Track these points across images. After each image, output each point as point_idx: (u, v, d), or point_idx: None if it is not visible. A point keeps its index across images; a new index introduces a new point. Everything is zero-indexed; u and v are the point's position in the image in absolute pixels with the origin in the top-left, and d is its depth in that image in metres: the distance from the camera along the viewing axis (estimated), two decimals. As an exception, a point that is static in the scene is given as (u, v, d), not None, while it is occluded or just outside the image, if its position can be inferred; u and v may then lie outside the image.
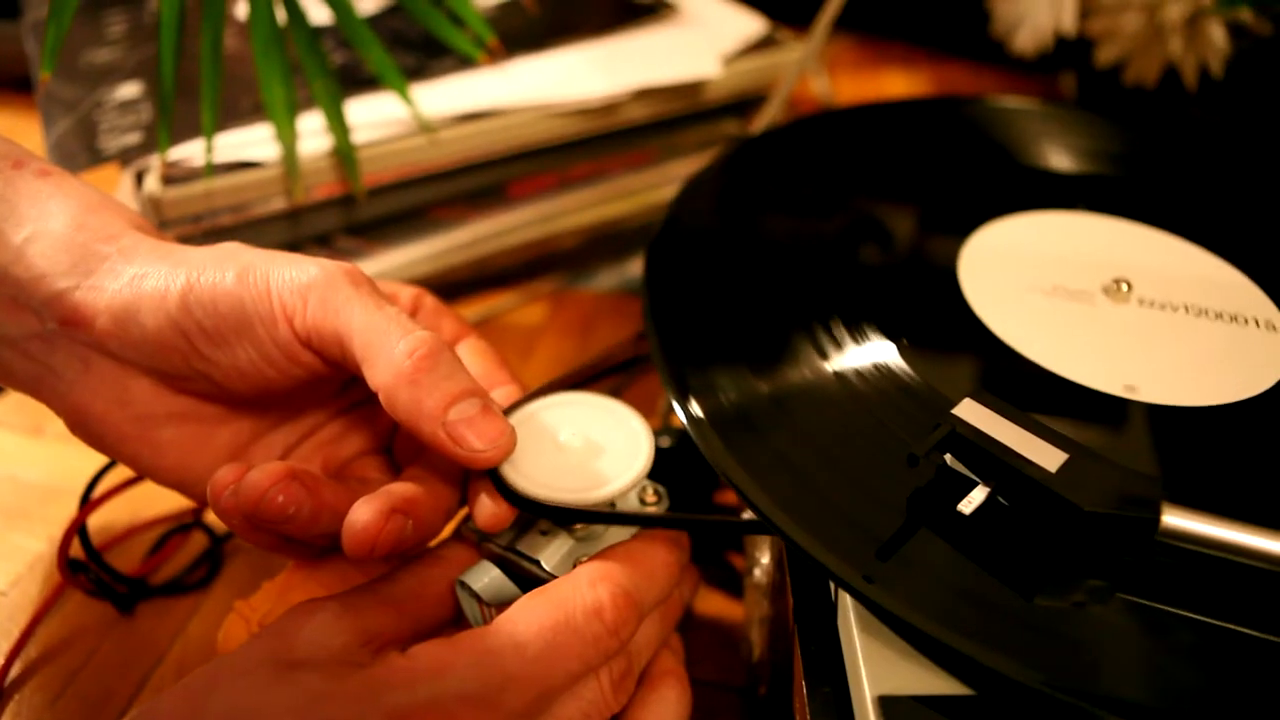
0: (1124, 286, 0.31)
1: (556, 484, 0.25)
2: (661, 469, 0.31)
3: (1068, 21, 0.61)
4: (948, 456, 0.24)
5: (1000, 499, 0.24)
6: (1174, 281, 0.33)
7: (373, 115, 0.44)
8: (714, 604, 0.37)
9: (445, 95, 0.46)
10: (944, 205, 0.37)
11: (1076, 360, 0.29)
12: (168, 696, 0.22)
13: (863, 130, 0.44)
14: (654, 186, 0.52)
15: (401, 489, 0.25)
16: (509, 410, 0.28)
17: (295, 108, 0.41)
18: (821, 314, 0.31)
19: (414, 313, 0.30)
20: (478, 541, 0.28)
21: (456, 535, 0.29)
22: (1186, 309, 0.31)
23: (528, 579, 0.26)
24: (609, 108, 0.47)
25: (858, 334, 0.30)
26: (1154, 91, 0.64)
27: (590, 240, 0.52)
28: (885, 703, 0.21)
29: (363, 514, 0.24)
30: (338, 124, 0.41)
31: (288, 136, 0.40)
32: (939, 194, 0.38)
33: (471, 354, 0.30)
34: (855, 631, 0.23)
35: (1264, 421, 0.28)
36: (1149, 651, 0.22)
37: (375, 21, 0.51)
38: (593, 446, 0.26)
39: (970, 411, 0.24)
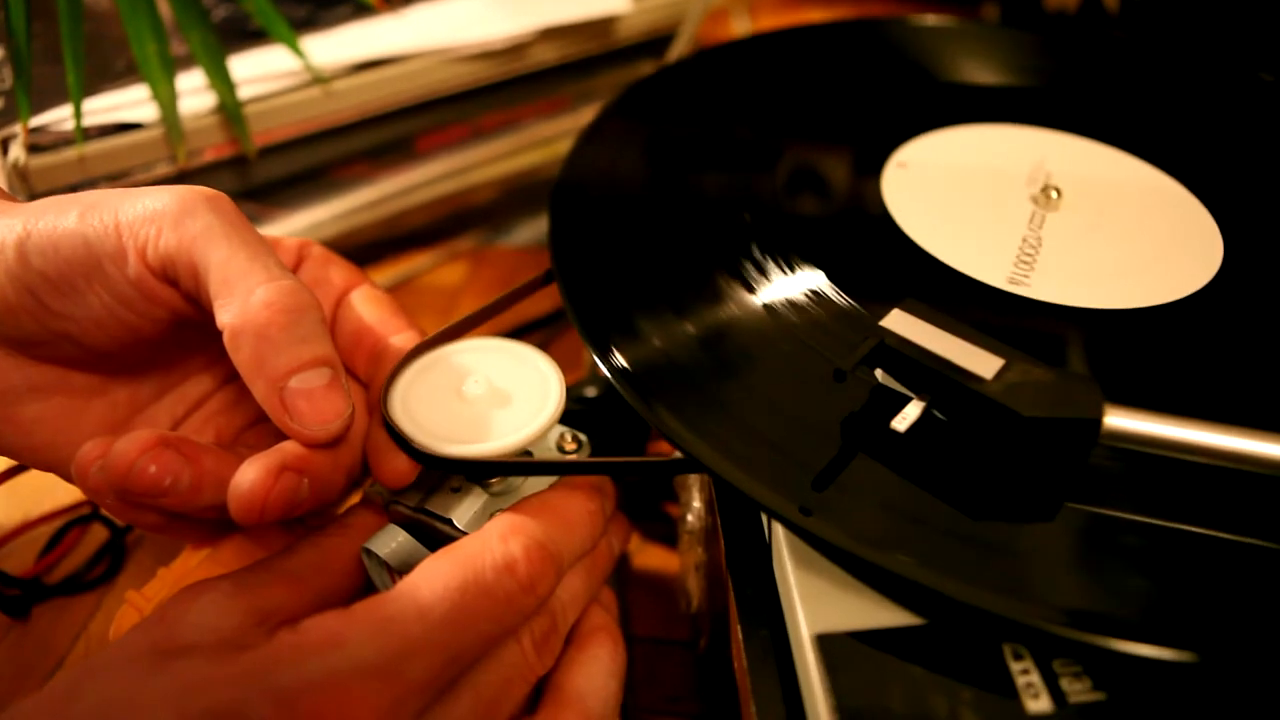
0: (1054, 194, 0.30)
1: (459, 436, 0.23)
2: (590, 422, 0.29)
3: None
4: (878, 372, 0.23)
5: (936, 413, 0.22)
6: (1103, 186, 0.32)
7: (261, 69, 0.41)
8: (654, 558, 0.35)
9: (339, 44, 0.43)
10: (861, 127, 0.36)
11: (1009, 269, 0.28)
12: (36, 694, 0.19)
13: (772, 59, 0.42)
14: (570, 134, 0.49)
15: (294, 446, 0.23)
16: (407, 358, 0.25)
17: (172, 64, 0.38)
18: (740, 247, 0.29)
19: (298, 264, 0.28)
20: (385, 504, 0.26)
21: (365, 501, 0.27)
22: (1117, 213, 0.30)
23: (440, 540, 0.24)
24: (515, 49, 0.45)
25: (780, 262, 0.29)
26: (1076, 17, 0.63)
27: (507, 194, 0.49)
28: (824, 641, 0.20)
29: (249, 474, 0.22)
30: (219, 78, 0.38)
31: (164, 94, 0.37)
32: (855, 117, 0.37)
33: (365, 301, 0.27)
34: (790, 569, 0.21)
35: (1201, 320, 0.27)
36: (1102, 562, 0.21)
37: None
38: (498, 394, 0.24)
39: (899, 322, 0.22)
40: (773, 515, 0.22)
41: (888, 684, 0.19)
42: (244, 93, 0.39)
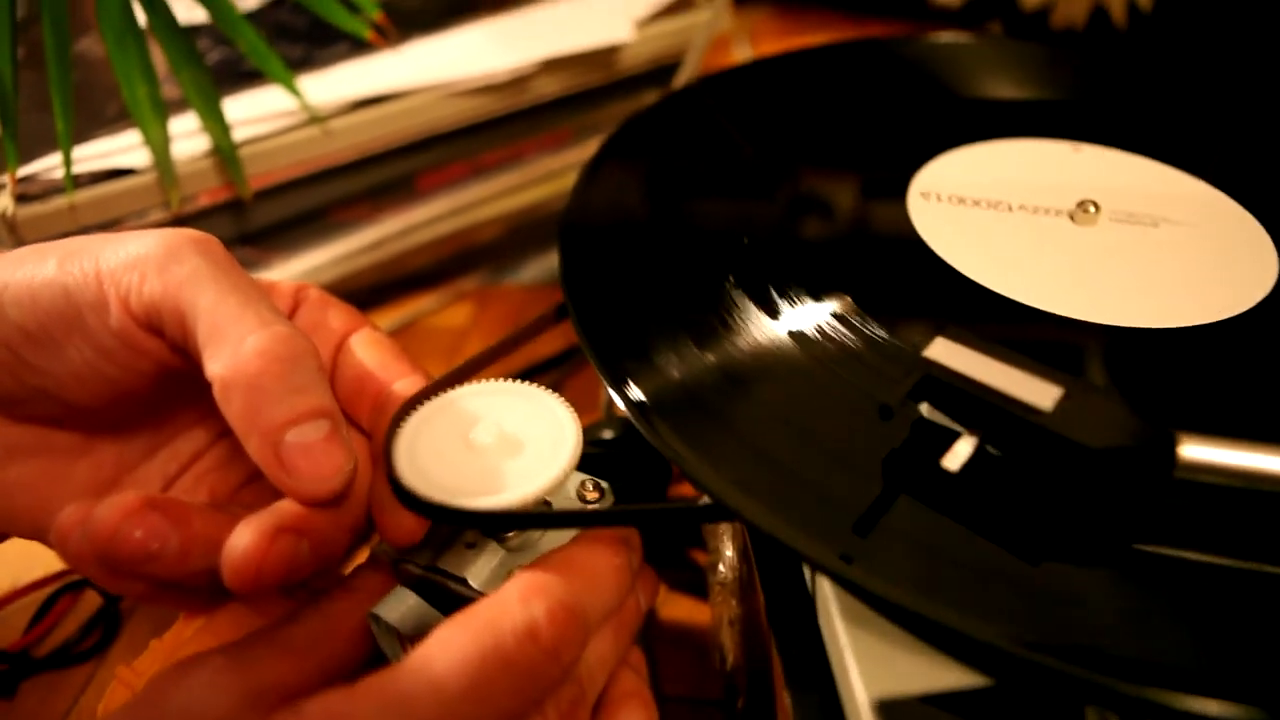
0: (1091, 208, 0.28)
1: (470, 488, 0.21)
2: (608, 466, 0.27)
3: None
4: (924, 406, 0.21)
5: (990, 449, 0.21)
6: (1143, 197, 0.30)
7: (257, 110, 0.39)
8: (682, 608, 0.33)
9: (336, 83, 0.41)
10: (880, 147, 0.34)
11: (1052, 290, 0.26)
12: None
13: (781, 82, 0.40)
14: (574, 167, 0.48)
15: (292, 505, 0.21)
16: (408, 405, 0.24)
17: (164, 107, 0.36)
18: (765, 274, 0.28)
19: (294, 308, 0.26)
20: (393, 564, 0.24)
21: (372, 560, 0.25)
22: (1161, 224, 0.29)
23: (455, 603, 0.22)
24: (517, 83, 0.44)
25: (807, 289, 0.27)
26: (1083, 33, 0.62)
27: (512, 231, 0.48)
28: (887, 708, 0.18)
29: (243, 537, 0.20)
30: (213, 119, 0.37)
31: (156, 137, 0.36)
32: (871, 137, 0.35)
33: (366, 346, 0.26)
34: (839, 624, 0.19)
35: (1255, 338, 0.25)
36: (1180, 610, 0.19)
37: (256, 17, 0.46)
38: (509, 441, 0.23)
39: (945, 351, 0.21)
40: (811, 564, 0.20)
41: (960, 756, 0.17)
42: (239, 134, 0.38)
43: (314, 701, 0.18)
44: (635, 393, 0.24)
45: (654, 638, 0.32)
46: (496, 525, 0.22)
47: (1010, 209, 0.29)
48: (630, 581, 0.23)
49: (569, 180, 0.48)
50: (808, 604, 0.21)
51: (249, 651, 0.21)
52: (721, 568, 0.26)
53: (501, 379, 0.24)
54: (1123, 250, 0.28)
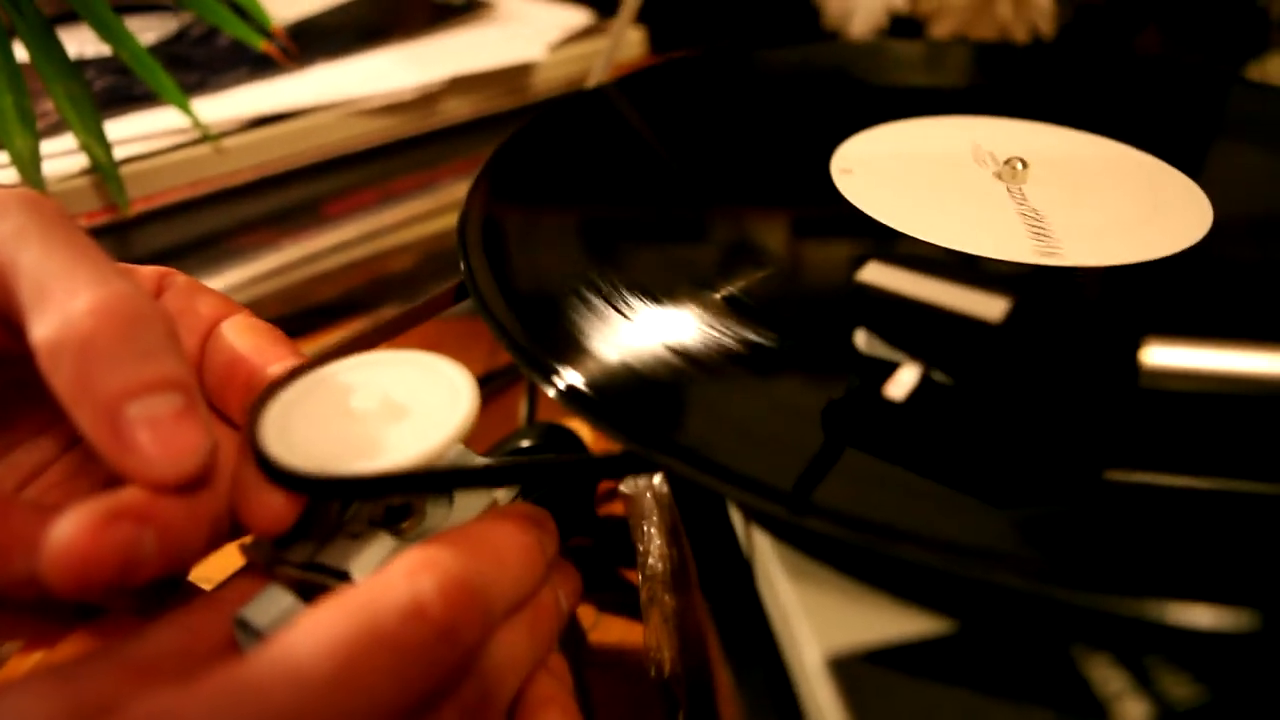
0: (1019, 165, 0.27)
1: (346, 454, 0.18)
2: (528, 480, 0.24)
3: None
4: (860, 339, 0.19)
5: (935, 377, 0.18)
6: (1068, 158, 0.29)
7: (144, 128, 0.37)
8: (614, 631, 0.30)
9: (232, 103, 0.39)
10: (792, 132, 0.33)
11: (991, 238, 0.25)
12: None
13: (689, 81, 0.39)
14: (492, 192, 0.46)
15: (135, 491, 0.18)
16: (283, 379, 0.21)
17: (33, 117, 0.34)
18: (678, 241, 0.26)
19: (157, 295, 0.23)
20: (267, 564, 0.20)
21: (245, 568, 0.21)
22: (1090, 179, 0.28)
23: (339, 603, 0.19)
24: (425, 102, 0.42)
25: (725, 256, 0.25)
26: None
27: (426, 259, 0.45)
28: (841, 667, 0.15)
29: (68, 525, 0.16)
30: (89, 132, 0.34)
31: (23, 147, 0.33)
32: (783, 126, 0.34)
33: (240, 331, 0.23)
34: (783, 582, 0.17)
35: (1205, 270, 0.24)
36: (1161, 526, 0.16)
37: (153, 51, 0.44)
38: (395, 407, 0.20)
39: (880, 273, 0.18)
40: (751, 513, 0.17)
41: (933, 714, 0.14)
42: (123, 151, 0.36)
43: (141, 701, 0.14)
44: (551, 362, 0.21)
45: (585, 663, 0.28)
46: (376, 490, 0.19)
47: (935, 172, 0.28)
48: (543, 566, 0.20)
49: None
50: (744, 570, 0.18)
51: (83, 668, 0.17)
52: (652, 560, 0.23)
53: (388, 350, 0.22)
54: (1059, 201, 0.26)
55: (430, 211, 0.45)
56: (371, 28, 0.47)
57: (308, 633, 0.15)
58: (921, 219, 0.25)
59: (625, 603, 0.30)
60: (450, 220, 0.45)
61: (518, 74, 0.45)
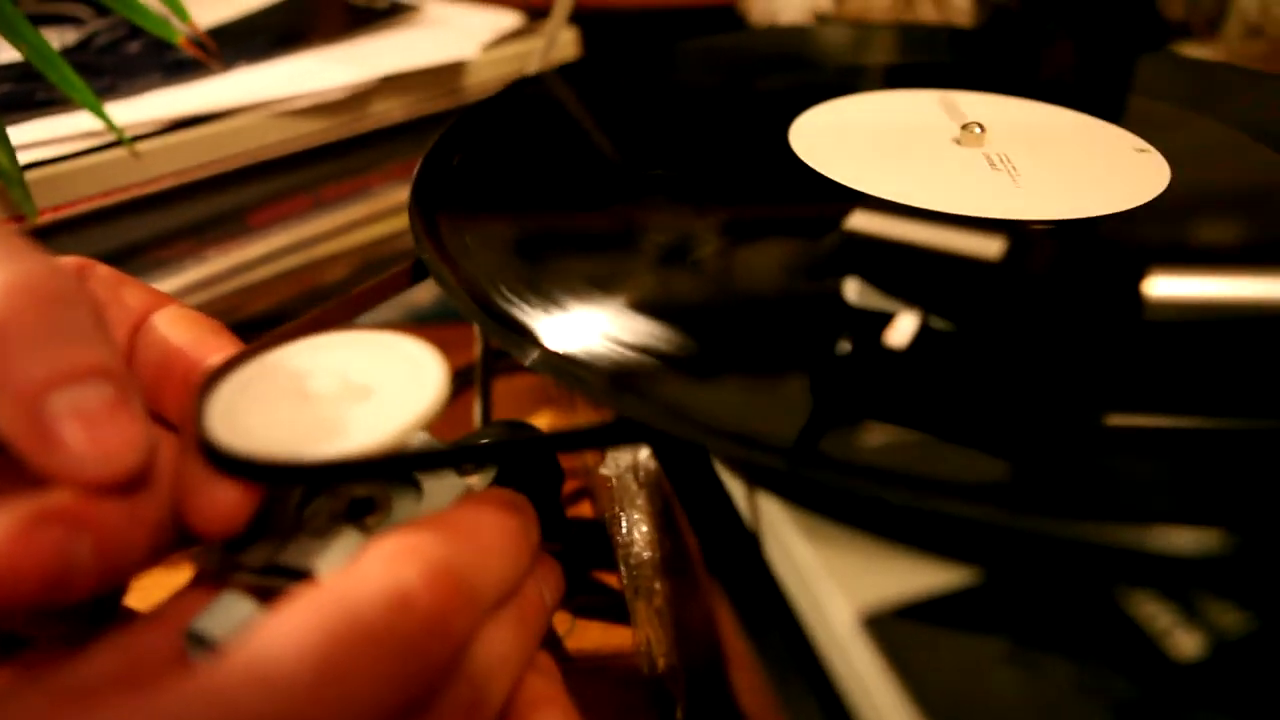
0: (977, 129, 0.27)
1: (303, 439, 0.17)
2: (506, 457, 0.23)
3: (823, 0, 0.61)
4: (851, 286, 0.18)
5: (932, 324, 0.17)
6: (1025, 124, 0.29)
7: (51, 132, 0.34)
8: (590, 637, 0.28)
9: (148, 105, 0.37)
10: (745, 112, 0.32)
11: (959, 197, 0.24)
12: None
13: (633, 70, 0.38)
14: (428, 196, 0.45)
15: (67, 492, 0.16)
16: (230, 363, 0.19)
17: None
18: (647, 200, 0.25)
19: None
20: (219, 572, 0.18)
21: (197, 580, 0.19)
22: (1046, 141, 0.28)
23: (304, 608, 0.17)
24: (355, 102, 0.40)
25: (694, 210, 0.24)
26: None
27: (361, 269, 0.43)
28: (876, 625, 0.14)
29: None
30: (-10, 135, 0.31)
31: (-85, 154, 0.30)
32: (738, 107, 0.33)
33: (173, 321, 0.21)
34: (802, 546, 0.15)
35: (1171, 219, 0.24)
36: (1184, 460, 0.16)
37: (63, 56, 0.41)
38: (355, 388, 0.18)
39: (866, 221, 0.18)
40: (757, 477, 0.16)
41: (979, 663, 0.13)
42: (28, 156, 0.33)
43: (96, 710, 0.12)
44: (518, 314, 0.20)
45: (564, 671, 0.26)
46: (342, 477, 0.17)
47: (895, 139, 0.28)
48: (528, 555, 0.19)
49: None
50: (749, 543, 0.17)
51: (14, 703, 0.15)
52: (636, 548, 0.22)
53: (348, 330, 0.20)
54: (1019, 162, 0.26)
55: (364, 218, 0.43)
56: (291, 32, 0.45)
57: (278, 633, 0.14)
58: (885, 181, 0.25)
59: (601, 606, 0.29)
60: (386, 227, 0.44)
61: (451, 73, 0.43)
